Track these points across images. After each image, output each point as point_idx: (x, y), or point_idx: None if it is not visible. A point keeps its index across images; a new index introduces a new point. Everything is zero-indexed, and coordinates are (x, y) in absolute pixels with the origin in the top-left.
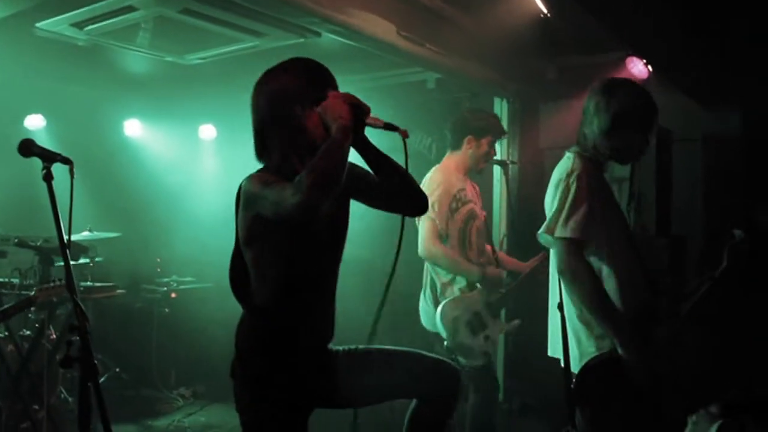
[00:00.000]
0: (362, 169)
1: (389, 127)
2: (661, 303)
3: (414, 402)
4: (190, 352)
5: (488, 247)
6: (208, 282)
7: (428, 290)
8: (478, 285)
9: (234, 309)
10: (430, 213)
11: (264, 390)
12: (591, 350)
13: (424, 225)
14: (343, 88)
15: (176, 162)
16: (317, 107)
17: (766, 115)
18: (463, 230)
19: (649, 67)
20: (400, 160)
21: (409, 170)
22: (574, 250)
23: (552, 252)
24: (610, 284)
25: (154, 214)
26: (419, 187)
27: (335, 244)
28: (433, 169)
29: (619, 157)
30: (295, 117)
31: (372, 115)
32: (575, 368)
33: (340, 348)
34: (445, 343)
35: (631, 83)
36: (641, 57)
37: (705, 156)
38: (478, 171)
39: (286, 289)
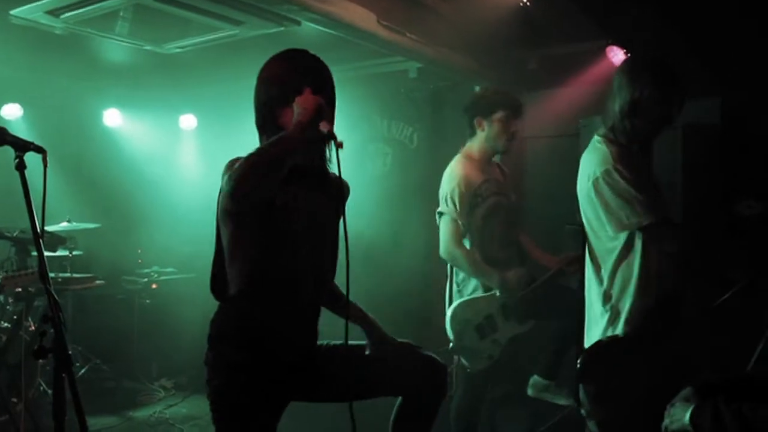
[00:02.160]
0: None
1: (330, 136)
2: (688, 290)
3: (400, 398)
4: (172, 344)
5: (521, 238)
6: (189, 273)
7: (448, 285)
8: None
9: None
10: (451, 212)
11: (233, 381)
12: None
13: (445, 225)
14: None
15: (157, 152)
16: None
17: (744, 103)
18: (484, 227)
19: (629, 56)
20: (383, 146)
21: (392, 160)
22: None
23: (640, 242)
24: (633, 268)
25: (134, 205)
26: None
27: (317, 242)
28: (454, 160)
29: (642, 136)
30: (275, 101)
31: (334, 115)
32: None
33: (325, 342)
34: (451, 345)
35: (656, 63)
36: (621, 46)
37: (685, 144)
38: (503, 152)
39: (254, 276)
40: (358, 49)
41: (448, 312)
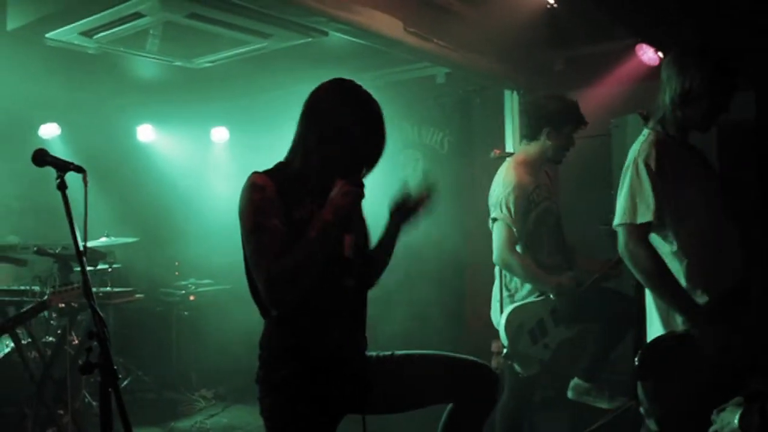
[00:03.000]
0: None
1: (349, 265)
2: (751, 286)
3: (450, 405)
4: (210, 354)
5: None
6: (225, 284)
7: (497, 289)
8: (551, 295)
9: (252, 310)
10: (505, 218)
11: (286, 398)
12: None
13: (499, 231)
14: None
15: (190, 165)
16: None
17: None
18: (534, 232)
19: (660, 53)
20: (414, 152)
21: (423, 165)
22: (636, 234)
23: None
24: (678, 265)
25: (170, 218)
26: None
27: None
28: (507, 165)
29: (695, 126)
30: (348, 136)
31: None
32: None
33: (374, 353)
34: (504, 350)
35: (704, 50)
36: (650, 44)
37: (720, 138)
38: (557, 161)
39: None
40: (385, 57)
41: (502, 318)
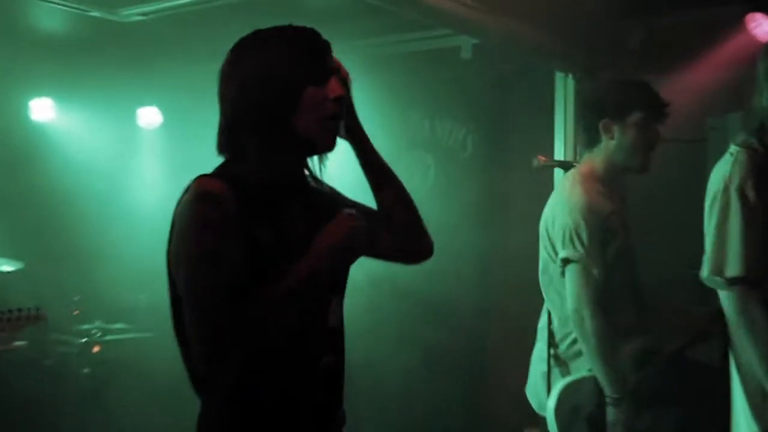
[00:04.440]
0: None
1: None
2: None
3: None
4: (118, 430)
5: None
6: (147, 330)
7: (542, 352)
8: None
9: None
10: (582, 258)
11: None
12: None
13: (577, 278)
14: (344, 58)
15: (105, 160)
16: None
17: None
18: (608, 277)
19: None
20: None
21: (436, 173)
22: (753, 293)
23: (724, 296)
24: None
25: (70, 234)
26: (424, 225)
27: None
28: (569, 181)
29: None
30: (288, 105)
31: None
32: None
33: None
34: None
35: None
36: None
37: None
38: (638, 171)
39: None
40: (387, 19)
41: (551, 399)
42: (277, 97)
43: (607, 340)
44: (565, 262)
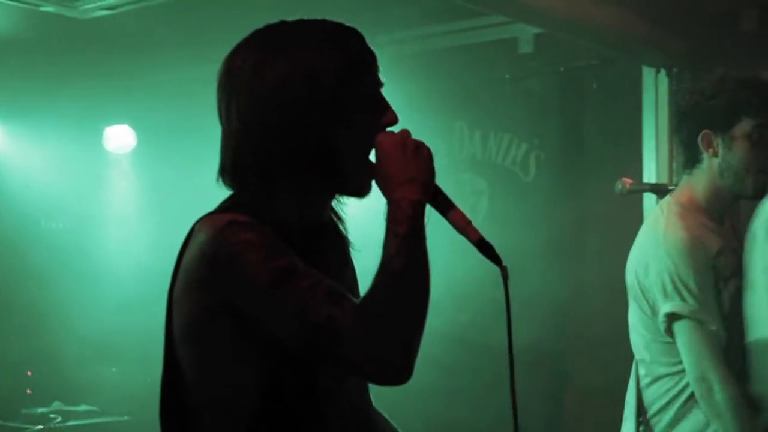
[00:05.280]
0: None
1: (482, 246)
2: None
3: None
4: None
5: None
6: (118, 414)
7: (631, 422)
8: None
9: None
10: (695, 312)
11: None
12: None
13: (693, 336)
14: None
15: (61, 195)
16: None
17: None
18: (729, 331)
19: None
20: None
21: (491, 203)
22: None
23: None
24: None
25: (21, 292)
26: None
27: None
28: (661, 213)
29: None
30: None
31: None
32: None
33: None
34: None
35: None
36: None
37: None
38: (752, 197)
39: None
40: (426, 5)
41: None
42: (327, 125)
43: (746, 415)
44: (672, 317)
